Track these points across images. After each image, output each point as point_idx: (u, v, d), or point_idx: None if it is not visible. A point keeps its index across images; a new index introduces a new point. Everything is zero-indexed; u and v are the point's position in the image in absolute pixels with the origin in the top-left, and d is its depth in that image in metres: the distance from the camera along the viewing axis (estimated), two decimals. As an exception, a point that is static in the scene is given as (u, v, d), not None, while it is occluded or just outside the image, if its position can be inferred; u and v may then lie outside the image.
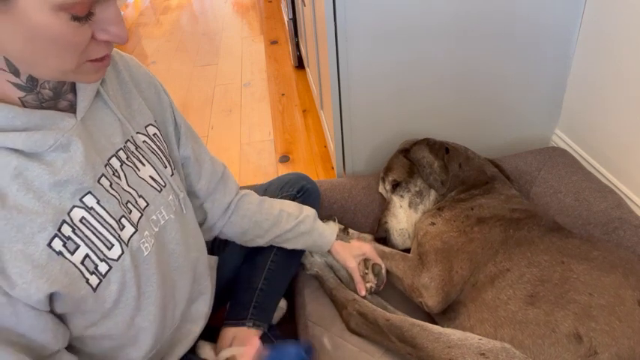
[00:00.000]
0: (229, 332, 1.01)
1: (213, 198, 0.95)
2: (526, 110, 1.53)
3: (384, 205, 1.33)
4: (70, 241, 0.61)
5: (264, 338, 1.03)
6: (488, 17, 1.32)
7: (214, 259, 0.98)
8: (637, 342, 0.84)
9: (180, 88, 2.70)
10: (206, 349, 1.00)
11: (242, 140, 2.17)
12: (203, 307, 0.91)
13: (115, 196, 0.67)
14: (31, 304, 0.59)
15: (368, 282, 1.12)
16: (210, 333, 0.98)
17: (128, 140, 0.72)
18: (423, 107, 1.46)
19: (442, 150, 1.27)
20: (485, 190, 1.21)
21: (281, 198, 1.15)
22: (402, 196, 1.29)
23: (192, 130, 0.92)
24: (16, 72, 0.56)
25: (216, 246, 1.13)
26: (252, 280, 1.07)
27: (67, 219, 0.61)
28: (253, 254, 1.08)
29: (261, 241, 1.03)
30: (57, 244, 0.60)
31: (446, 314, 1.05)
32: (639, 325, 0.85)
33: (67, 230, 0.61)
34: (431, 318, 1.06)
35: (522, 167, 1.43)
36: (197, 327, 0.90)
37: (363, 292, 1.10)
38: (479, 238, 1.06)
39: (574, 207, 1.26)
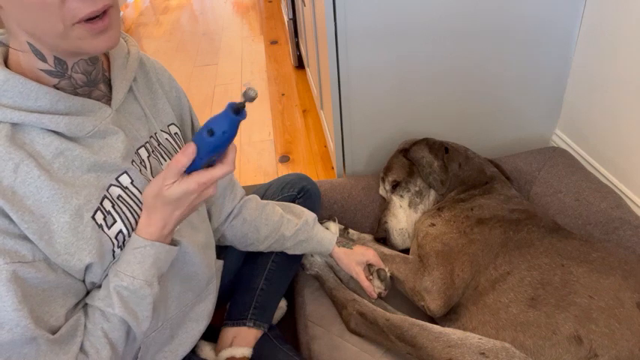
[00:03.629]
0: (229, 332, 1.02)
1: (219, 202, 0.96)
2: (526, 110, 1.53)
3: (384, 205, 1.33)
4: (109, 215, 0.66)
5: (264, 338, 1.03)
6: (489, 18, 1.32)
7: (220, 262, 0.99)
8: (636, 344, 0.84)
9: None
10: (206, 349, 1.00)
11: (242, 140, 2.17)
12: (208, 307, 0.91)
13: (146, 178, 0.71)
14: (71, 273, 0.63)
15: (375, 287, 1.12)
16: (211, 333, 0.98)
17: (152, 136, 0.76)
18: (423, 107, 1.46)
19: (442, 150, 1.27)
20: (485, 191, 1.21)
21: (281, 199, 1.15)
22: (401, 196, 1.29)
23: None
24: (41, 56, 0.60)
25: (218, 248, 1.13)
26: (252, 280, 1.08)
27: (107, 195, 0.66)
28: (254, 254, 1.09)
29: (260, 247, 1.03)
30: (99, 217, 0.64)
31: (447, 316, 1.05)
32: (638, 328, 0.85)
33: (107, 205, 0.66)
34: (431, 319, 1.06)
35: (522, 167, 1.43)
36: (201, 326, 0.90)
37: (375, 296, 1.10)
38: (479, 240, 1.06)
39: (574, 207, 1.26)
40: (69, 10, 0.54)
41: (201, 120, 0.96)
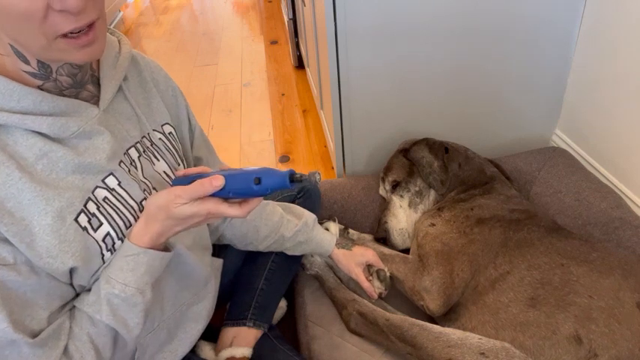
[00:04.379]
0: (229, 332, 1.02)
1: None
2: (526, 110, 1.52)
3: (384, 205, 1.33)
4: (94, 217, 0.64)
5: (264, 338, 1.03)
6: (489, 17, 1.32)
7: (219, 261, 0.98)
8: (635, 344, 0.84)
9: (181, 88, 2.70)
10: (206, 349, 1.00)
11: (242, 140, 2.17)
12: (206, 307, 0.91)
13: (135, 180, 0.70)
14: (55, 276, 0.62)
15: (375, 288, 1.12)
16: (211, 333, 0.98)
17: (144, 136, 0.75)
18: (423, 107, 1.46)
19: (442, 150, 1.27)
20: (485, 190, 1.21)
21: (281, 199, 1.15)
22: (401, 196, 1.29)
23: (205, 135, 0.95)
24: (24, 59, 0.58)
25: (218, 247, 1.13)
26: (252, 281, 1.08)
27: (92, 197, 0.64)
28: (254, 254, 1.09)
29: (259, 246, 1.03)
30: (83, 219, 0.63)
31: (447, 316, 1.05)
32: (638, 328, 0.85)
33: (92, 207, 0.64)
34: (431, 319, 1.06)
35: (522, 167, 1.43)
36: (200, 325, 0.90)
37: (375, 297, 1.11)
38: (479, 240, 1.06)
39: (574, 207, 1.26)
40: (51, 25, 0.53)
41: (200, 120, 0.95)
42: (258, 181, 0.61)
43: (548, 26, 1.36)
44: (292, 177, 0.61)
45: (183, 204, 0.63)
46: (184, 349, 0.87)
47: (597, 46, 1.32)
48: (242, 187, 0.62)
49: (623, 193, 1.28)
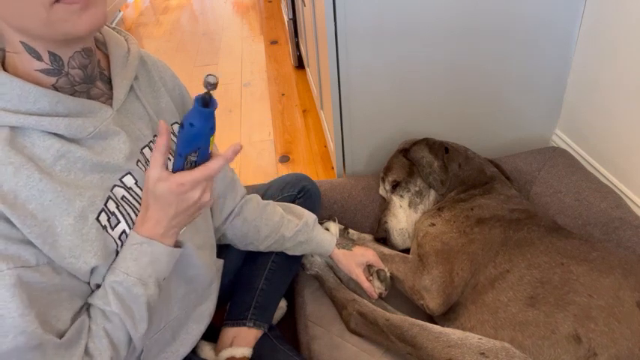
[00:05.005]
0: (229, 332, 1.02)
1: (220, 202, 0.96)
2: (526, 110, 1.53)
3: (384, 205, 1.33)
4: (113, 216, 0.65)
5: (264, 338, 1.03)
6: (489, 17, 1.32)
7: (220, 262, 0.99)
8: (635, 343, 0.84)
9: (181, 88, 2.69)
10: (206, 349, 1.00)
11: (242, 140, 2.17)
12: (209, 307, 0.91)
13: None
14: (77, 275, 0.63)
15: (376, 288, 1.12)
16: (211, 333, 0.98)
17: (155, 135, 0.75)
18: (423, 107, 1.46)
19: (442, 150, 1.27)
20: (485, 190, 1.21)
21: (281, 199, 1.15)
22: (401, 196, 1.29)
23: None
24: (36, 54, 0.59)
25: (218, 247, 1.13)
26: (252, 281, 1.08)
27: (112, 195, 0.65)
28: (254, 254, 1.09)
29: (260, 246, 1.03)
30: (103, 218, 0.64)
31: (446, 315, 1.05)
32: (638, 327, 0.85)
33: (112, 206, 0.65)
34: (431, 318, 1.06)
35: (522, 167, 1.43)
36: (202, 326, 0.90)
37: (375, 297, 1.11)
38: (479, 239, 1.06)
39: (574, 207, 1.26)
40: None
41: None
42: (181, 125, 0.61)
43: (548, 26, 1.36)
44: (199, 100, 0.59)
45: (158, 181, 0.63)
46: (186, 349, 0.87)
47: (597, 46, 1.32)
48: (181, 140, 0.62)
49: (623, 193, 1.28)
